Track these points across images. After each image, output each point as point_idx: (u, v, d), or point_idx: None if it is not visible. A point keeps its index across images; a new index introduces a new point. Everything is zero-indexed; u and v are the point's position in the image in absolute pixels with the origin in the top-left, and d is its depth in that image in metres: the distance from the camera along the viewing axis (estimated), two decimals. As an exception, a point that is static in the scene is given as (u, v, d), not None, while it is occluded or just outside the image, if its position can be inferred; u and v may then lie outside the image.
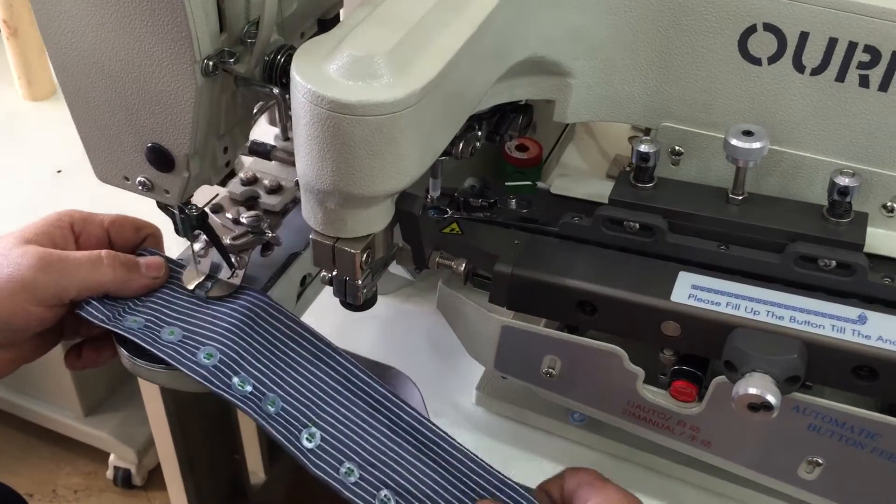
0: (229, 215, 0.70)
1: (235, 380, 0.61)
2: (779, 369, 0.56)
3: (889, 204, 0.64)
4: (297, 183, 0.72)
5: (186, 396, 1.23)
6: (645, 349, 0.67)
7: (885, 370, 0.57)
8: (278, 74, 0.58)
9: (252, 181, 0.72)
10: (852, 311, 0.59)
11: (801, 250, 0.61)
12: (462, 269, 0.64)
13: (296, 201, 0.75)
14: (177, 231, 0.66)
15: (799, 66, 0.62)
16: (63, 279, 0.60)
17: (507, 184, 0.73)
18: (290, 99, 0.54)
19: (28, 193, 0.99)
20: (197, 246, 0.68)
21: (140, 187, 0.61)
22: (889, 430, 0.60)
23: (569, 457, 0.76)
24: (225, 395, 0.60)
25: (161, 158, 0.58)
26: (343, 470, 0.59)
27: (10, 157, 1.06)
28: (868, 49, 0.59)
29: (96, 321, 0.63)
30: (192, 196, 0.62)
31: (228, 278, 0.68)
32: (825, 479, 0.64)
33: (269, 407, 0.61)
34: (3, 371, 0.64)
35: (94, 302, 0.63)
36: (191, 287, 0.67)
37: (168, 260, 0.68)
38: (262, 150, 0.69)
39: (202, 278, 0.68)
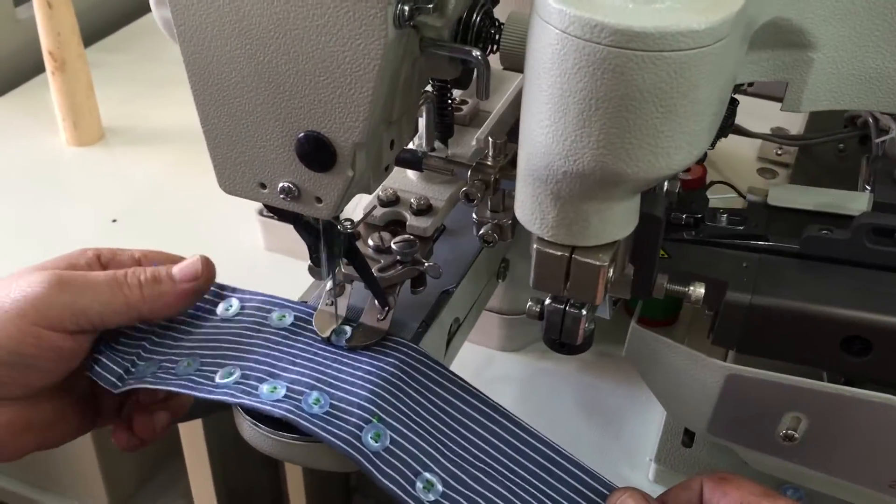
0: (371, 242, 0.55)
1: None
2: None
3: None
4: (450, 200, 0.58)
5: (241, 484, 1.07)
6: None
7: None
8: (473, 37, 0.43)
9: (393, 201, 0.58)
10: None
11: None
12: (701, 296, 0.49)
13: (444, 227, 0.61)
14: (314, 262, 0.51)
15: None
16: (81, 299, 0.50)
17: (709, 196, 0.59)
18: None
19: (84, 245, 0.84)
20: (329, 283, 0.53)
21: (282, 196, 0.46)
22: None
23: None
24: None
25: (319, 152, 0.43)
26: None
27: (61, 208, 0.91)
28: None
29: (108, 385, 0.51)
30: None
31: (377, 322, 0.53)
32: None
33: (426, 495, 0.47)
34: (18, 444, 0.50)
35: (101, 359, 0.52)
36: (326, 335, 0.52)
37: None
38: (411, 159, 0.55)
39: (338, 324, 0.53)
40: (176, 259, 0.56)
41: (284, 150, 0.44)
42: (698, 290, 0.49)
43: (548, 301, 0.45)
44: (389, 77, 0.41)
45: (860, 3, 0.51)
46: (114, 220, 0.89)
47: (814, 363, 0.52)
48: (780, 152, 0.96)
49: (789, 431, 0.53)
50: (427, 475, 0.48)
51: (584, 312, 0.44)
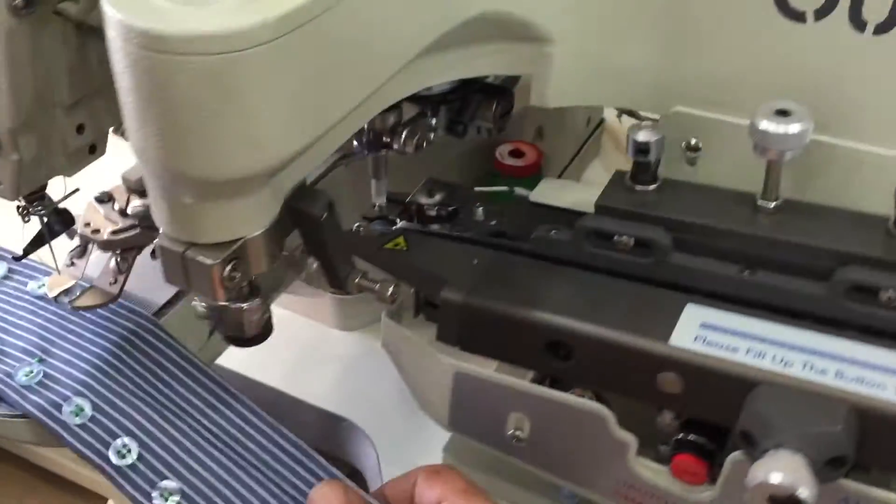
0: (118, 206, 0.55)
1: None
2: (816, 446, 0.39)
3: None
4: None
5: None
6: (644, 407, 0.50)
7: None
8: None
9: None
10: (928, 366, 0.41)
11: (854, 277, 0.43)
12: (388, 294, 0.48)
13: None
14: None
15: (858, 22, 0.44)
16: None
17: (476, 189, 0.58)
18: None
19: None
20: (71, 245, 0.55)
21: (-32, 177, 0.47)
22: None
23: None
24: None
25: (-23, 136, 0.44)
26: None
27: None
28: (955, -6, 0.42)
29: None
30: (41, 189, 0.48)
31: (108, 286, 0.54)
32: None
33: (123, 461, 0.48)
34: None
35: None
36: (53, 294, 0.54)
37: None
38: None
39: (70, 283, 0.54)
40: None
41: (-50, 135, 0.45)
42: (386, 290, 0.48)
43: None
44: (33, 62, 0.41)
45: (591, -4, 0.48)
46: None
47: (526, 365, 0.51)
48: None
49: (516, 432, 0.52)
50: (125, 439, 0.49)
51: (247, 305, 0.44)
